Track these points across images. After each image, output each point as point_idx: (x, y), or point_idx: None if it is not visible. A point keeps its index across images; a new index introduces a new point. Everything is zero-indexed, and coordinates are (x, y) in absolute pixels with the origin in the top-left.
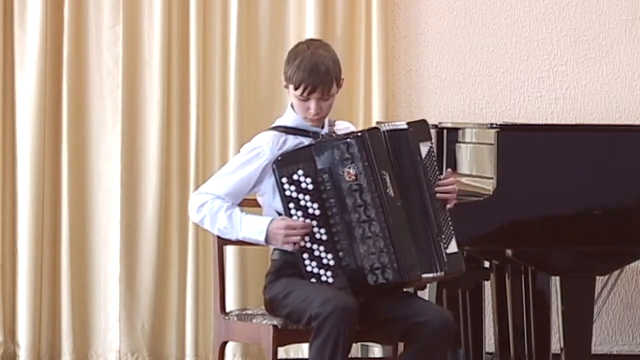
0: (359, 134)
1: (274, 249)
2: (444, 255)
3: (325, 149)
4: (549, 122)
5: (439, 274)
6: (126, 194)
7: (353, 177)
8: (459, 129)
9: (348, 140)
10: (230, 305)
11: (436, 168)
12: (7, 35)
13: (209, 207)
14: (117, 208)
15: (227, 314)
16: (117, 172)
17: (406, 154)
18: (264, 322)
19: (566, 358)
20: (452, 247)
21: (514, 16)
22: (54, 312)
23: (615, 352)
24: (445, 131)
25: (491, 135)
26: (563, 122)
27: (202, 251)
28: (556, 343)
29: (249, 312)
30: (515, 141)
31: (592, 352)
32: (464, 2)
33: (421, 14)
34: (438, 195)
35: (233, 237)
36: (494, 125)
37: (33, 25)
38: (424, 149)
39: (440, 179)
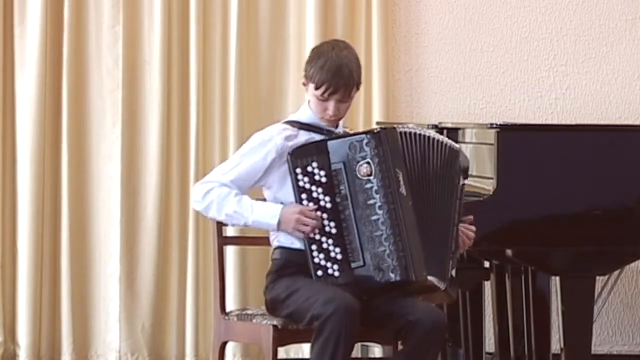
0: (376, 130)
1: (275, 248)
2: (450, 272)
3: (341, 144)
4: (549, 122)
5: (442, 283)
6: (126, 194)
7: (367, 173)
8: (459, 129)
9: (365, 136)
10: (230, 305)
11: (462, 204)
12: (7, 35)
13: (216, 193)
14: (117, 208)
15: (227, 314)
16: (117, 172)
17: (447, 170)
18: (264, 322)
19: (566, 358)
20: (454, 272)
21: (514, 16)
22: (54, 312)
23: (615, 352)
24: (445, 131)
25: (491, 135)
26: (563, 122)
27: (202, 251)
28: (556, 343)
29: (249, 312)
30: (515, 141)
31: (592, 352)
32: (464, 2)
33: (421, 14)
34: (462, 231)
35: (241, 222)
36: (494, 125)
37: (33, 25)
38: (461, 181)
39: (464, 219)
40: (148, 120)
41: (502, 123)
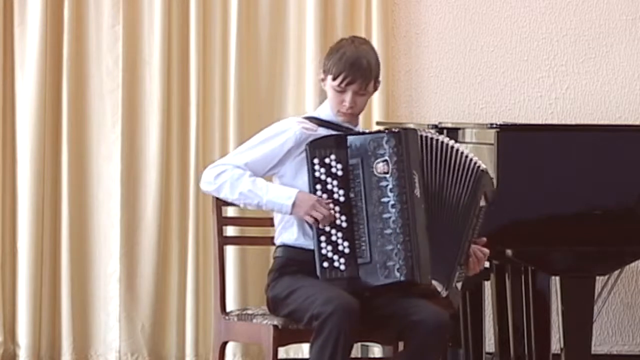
0: (396, 130)
1: (278, 246)
2: (454, 282)
3: (360, 140)
4: (549, 122)
5: (445, 290)
6: (126, 194)
7: (384, 171)
8: (459, 129)
9: (385, 134)
10: (231, 305)
11: (479, 224)
12: (7, 35)
13: (230, 174)
14: (117, 208)
15: (227, 314)
16: (117, 172)
17: (468, 185)
18: (265, 322)
19: (566, 358)
20: (459, 285)
21: (514, 16)
22: (54, 312)
23: (615, 352)
24: (445, 131)
25: (491, 135)
26: (563, 122)
27: (202, 251)
28: (556, 343)
29: (249, 312)
30: (515, 141)
31: (592, 352)
32: (464, 2)
33: (421, 14)
34: (474, 250)
35: (255, 202)
36: (494, 125)
37: (33, 25)
38: (482, 202)
39: (477, 240)
40: (148, 120)
41: (502, 123)
